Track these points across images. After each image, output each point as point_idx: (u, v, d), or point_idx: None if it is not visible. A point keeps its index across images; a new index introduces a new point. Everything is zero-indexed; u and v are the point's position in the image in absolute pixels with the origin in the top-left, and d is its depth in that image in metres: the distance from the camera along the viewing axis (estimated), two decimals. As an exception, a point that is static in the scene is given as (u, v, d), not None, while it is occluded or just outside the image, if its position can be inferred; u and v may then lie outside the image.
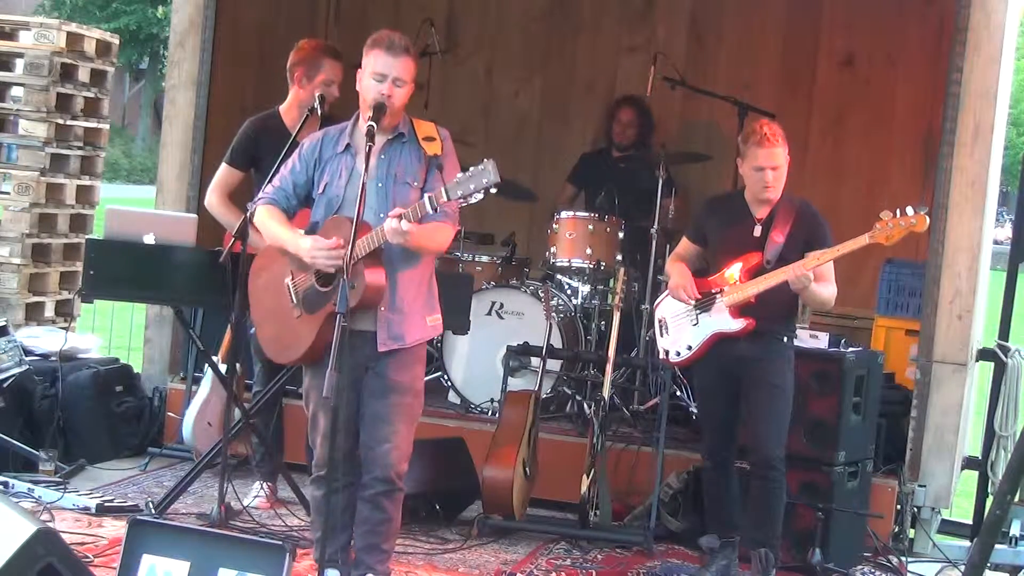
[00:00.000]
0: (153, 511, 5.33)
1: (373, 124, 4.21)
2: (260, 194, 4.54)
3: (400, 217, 4.07)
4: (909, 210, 4.82)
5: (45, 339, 6.70)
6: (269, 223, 4.40)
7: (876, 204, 7.76)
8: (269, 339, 4.54)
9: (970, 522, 6.41)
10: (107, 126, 7.83)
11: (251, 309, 4.61)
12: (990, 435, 6.33)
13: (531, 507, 5.83)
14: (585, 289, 6.94)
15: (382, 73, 4.26)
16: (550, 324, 6.07)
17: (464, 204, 4.15)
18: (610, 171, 7.37)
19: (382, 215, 4.20)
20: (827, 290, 5.05)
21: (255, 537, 4.57)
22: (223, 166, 5.61)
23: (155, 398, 6.77)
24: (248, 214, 4.71)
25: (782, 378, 5.08)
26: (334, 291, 4.17)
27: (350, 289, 4.04)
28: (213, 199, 5.57)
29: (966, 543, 6.18)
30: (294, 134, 5.17)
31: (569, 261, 6.85)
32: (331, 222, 4.31)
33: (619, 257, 6.83)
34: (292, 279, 4.39)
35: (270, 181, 4.56)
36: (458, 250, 7.08)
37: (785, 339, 5.13)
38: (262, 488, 5.74)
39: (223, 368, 5.46)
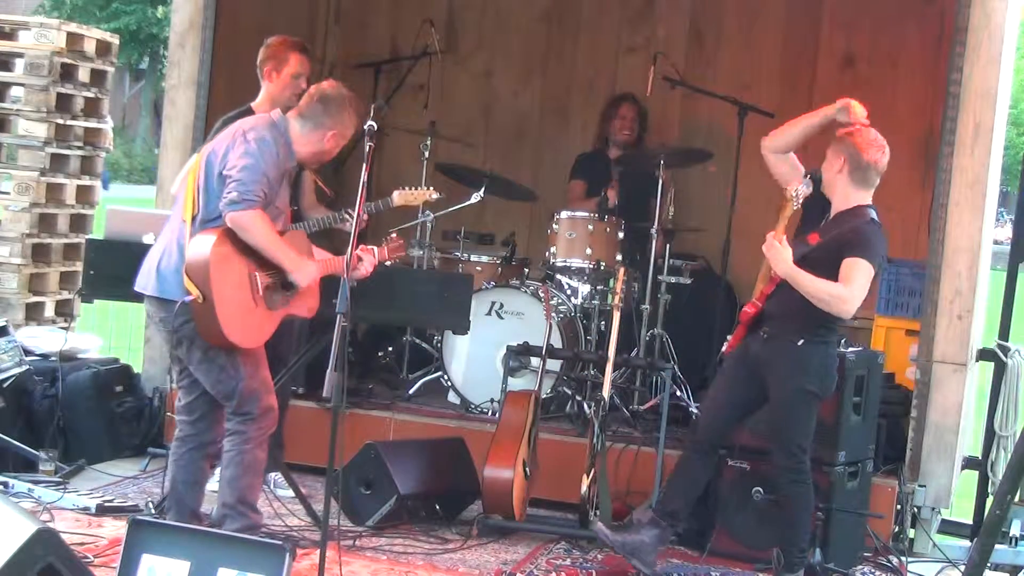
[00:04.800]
0: (153, 511, 5.33)
1: (374, 124, 4.33)
2: (252, 194, 4.56)
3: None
4: None
5: (45, 339, 6.70)
6: (270, 235, 4.61)
7: (876, 204, 7.79)
8: (231, 316, 4.58)
9: (970, 522, 6.41)
10: (107, 126, 7.82)
11: (212, 278, 4.52)
12: (990, 435, 6.33)
13: (531, 507, 5.83)
14: (585, 289, 6.93)
15: None
16: (550, 324, 6.07)
17: None
18: (608, 171, 7.37)
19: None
20: (820, 284, 4.91)
21: (255, 537, 4.56)
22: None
23: (155, 398, 6.76)
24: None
25: (788, 383, 5.02)
26: (294, 294, 4.73)
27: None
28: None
29: (966, 543, 6.18)
30: None
31: (568, 261, 6.85)
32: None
33: (619, 257, 6.83)
34: (258, 272, 4.63)
35: (256, 183, 4.59)
36: (458, 250, 7.08)
37: (801, 342, 5.02)
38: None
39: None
